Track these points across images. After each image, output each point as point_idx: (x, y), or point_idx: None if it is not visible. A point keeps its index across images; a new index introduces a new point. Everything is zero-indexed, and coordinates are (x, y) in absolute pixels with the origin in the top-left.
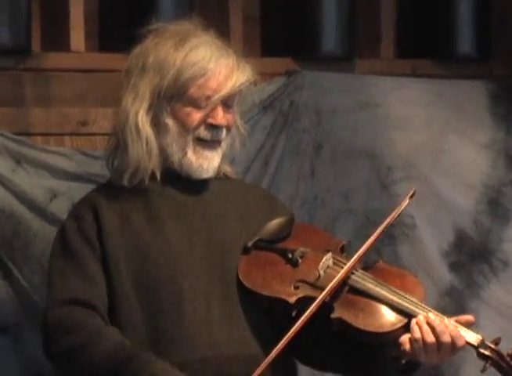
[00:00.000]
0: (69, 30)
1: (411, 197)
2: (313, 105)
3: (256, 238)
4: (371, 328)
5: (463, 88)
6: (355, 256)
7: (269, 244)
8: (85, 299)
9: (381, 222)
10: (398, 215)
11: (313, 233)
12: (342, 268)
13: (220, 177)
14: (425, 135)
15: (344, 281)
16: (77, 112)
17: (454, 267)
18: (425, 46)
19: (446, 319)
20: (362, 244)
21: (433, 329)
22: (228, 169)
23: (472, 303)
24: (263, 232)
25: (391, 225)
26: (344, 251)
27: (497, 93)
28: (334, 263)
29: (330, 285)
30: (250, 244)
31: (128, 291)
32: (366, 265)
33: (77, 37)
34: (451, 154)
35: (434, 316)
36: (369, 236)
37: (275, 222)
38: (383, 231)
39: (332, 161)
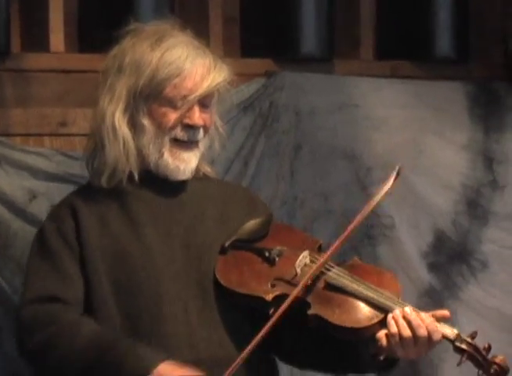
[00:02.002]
0: (48, 31)
1: (396, 177)
2: (292, 106)
3: (233, 238)
4: (347, 324)
5: (441, 90)
6: (332, 247)
7: (247, 244)
8: (61, 297)
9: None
10: (378, 203)
11: (291, 232)
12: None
13: (199, 177)
14: (404, 135)
15: (320, 277)
16: (56, 112)
17: (433, 268)
18: (404, 47)
19: (423, 314)
20: (340, 235)
21: (409, 323)
22: (207, 169)
23: (451, 304)
24: (241, 232)
25: (370, 227)
26: (321, 250)
27: (476, 94)
28: (311, 261)
29: (303, 281)
30: (227, 244)
31: (107, 294)
32: (342, 262)
33: (57, 38)
34: (430, 155)
35: (410, 311)
36: (348, 225)
37: (252, 222)
38: (360, 221)
39: (311, 162)
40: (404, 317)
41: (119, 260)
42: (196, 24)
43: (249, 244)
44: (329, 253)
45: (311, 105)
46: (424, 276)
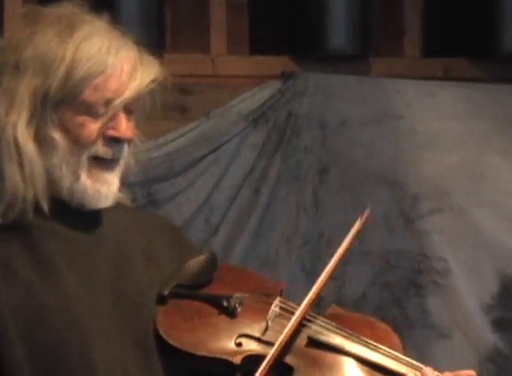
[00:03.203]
0: None
1: (364, 221)
2: (317, 117)
3: (173, 283)
4: None
5: (508, 95)
6: (308, 297)
7: (191, 291)
8: None
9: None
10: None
11: (242, 275)
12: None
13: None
14: (460, 155)
15: (300, 332)
16: None
17: (499, 325)
18: (459, 42)
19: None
20: (315, 279)
21: None
22: (120, 195)
23: None
24: (180, 275)
25: (417, 272)
26: (283, 295)
27: None
28: (282, 309)
29: (281, 337)
30: (166, 291)
31: (22, 365)
32: (317, 311)
33: None
34: (492, 180)
35: (430, 372)
36: (322, 270)
37: (195, 263)
38: (336, 266)
39: (340, 189)
40: None
41: (34, 319)
42: (193, 11)
43: (194, 290)
44: (309, 298)
45: (340, 116)
46: (487, 336)
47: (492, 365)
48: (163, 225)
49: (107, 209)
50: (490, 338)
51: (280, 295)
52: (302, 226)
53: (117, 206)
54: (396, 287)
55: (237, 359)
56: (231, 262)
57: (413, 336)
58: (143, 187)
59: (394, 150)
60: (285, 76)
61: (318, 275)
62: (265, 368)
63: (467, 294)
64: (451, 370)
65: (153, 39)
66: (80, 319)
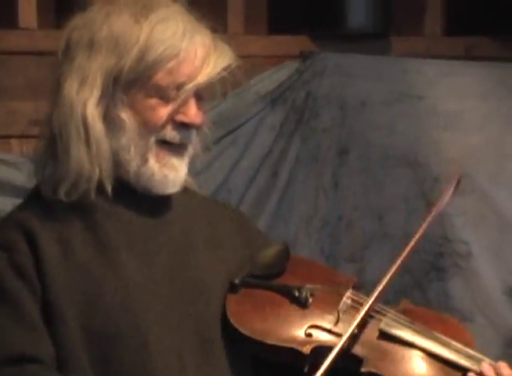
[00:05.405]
0: (16, 1)
1: (455, 186)
2: (336, 97)
3: (245, 272)
4: None
5: None
6: (380, 284)
7: (263, 281)
8: (35, 355)
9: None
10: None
11: (313, 267)
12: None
13: (181, 190)
14: (483, 136)
15: (371, 324)
16: (28, 107)
17: None
18: (482, 20)
19: None
20: (387, 270)
21: None
22: (188, 179)
23: None
24: (253, 264)
25: (439, 255)
26: (357, 289)
27: None
28: (354, 301)
29: (350, 329)
30: (237, 280)
31: (78, 348)
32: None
33: (28, 10)
34: None
35: (506, 367)
36: (395, 258)
37: (268, 253)
38: (412, 249)
39: (361, 171)
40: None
41: (91, 301)
42: None
43: (266, 280)
44: (378, 291)
45: (360, 96)
46: (511, 320)
47: None
48: (230, 212)
49: (174, 194)
50: None
51: (353, 288)
52: (321, 209)
53: (185, 191)
54: (417, 270)
55: (307, 349)
56: None
57: None
58: None
59: (415, 130)
60: (303, 56)
61: (337, 258)
62: (334, 358)
63: (490, 277)
64: None
65: None
66: (136, 303)
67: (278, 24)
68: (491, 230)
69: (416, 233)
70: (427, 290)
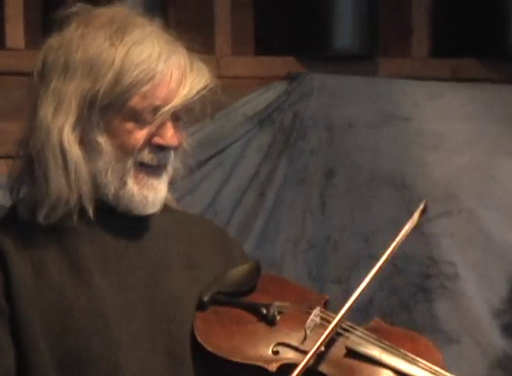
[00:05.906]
0: (3, 21)
1: (422, 211)
2: (323, 118)
3: (214, 290)
4: None
5: None
6: (345, 306)
7: (232, 298)
8: None
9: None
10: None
11: (285, 285)
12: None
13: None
14: (469, 157)
15: (339, 342)
16: (14, 128)
17: (508, 331)
18: (468, 42)
19: None
20: (357, 285)
21: None
22: (168, 197)
23: None
24: (222, 282)
25: (425, 276)
26: (327, 308)
27: None
28: (323, 319)
29: (316, 346)
30: (206, 297)
31: (46, 367)
32: (359, 324)
33: (15, 30)
34: (503, 182)
35: None
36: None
37: (237, 271)
38: (380, 269)
39: (348, 192)
40: None
41: (62, 322)
42: (198, 10)
43: (235, 298)
44: (345, 309)
45: (347, 117)
46: (497, 341)
47: (502, 372)
48: (211, 229)
49: (154, 213)
50: (500, 343)
51: (324, 307)
52: (308, 230)
53: (165, 209)
54: (404, 291)
55: (273, 367)
56: None
57: None
58: None
59: (402, 152)
60: (291, 77)
61: (324, 279)
62: (297, 374)
63: (476, 298)
64: (459, 375)
65: None
66: (109, 323)
67: (265, 45)
68: (477, 251)
69: (379, 260)
70: (414, 311)
